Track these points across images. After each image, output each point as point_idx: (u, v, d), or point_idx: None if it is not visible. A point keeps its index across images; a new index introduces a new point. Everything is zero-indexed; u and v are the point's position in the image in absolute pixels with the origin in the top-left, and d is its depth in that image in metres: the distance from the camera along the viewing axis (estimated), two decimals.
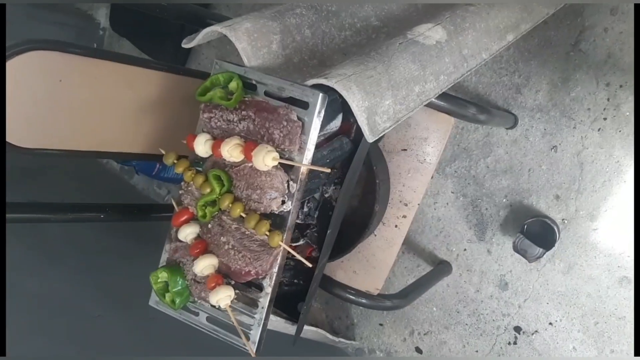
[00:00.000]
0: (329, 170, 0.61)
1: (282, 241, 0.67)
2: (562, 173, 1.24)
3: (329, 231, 0.78)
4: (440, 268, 1.38)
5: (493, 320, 1.36)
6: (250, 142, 0.66)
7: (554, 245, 1.19)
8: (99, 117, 0.85)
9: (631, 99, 1.15)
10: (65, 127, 0.81)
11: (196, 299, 0.74)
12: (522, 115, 1.27)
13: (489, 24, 0.89)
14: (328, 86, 0.64)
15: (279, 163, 0.65)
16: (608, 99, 1.18)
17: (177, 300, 0.73)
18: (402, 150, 0.93)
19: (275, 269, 0.70)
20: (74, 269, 1.26)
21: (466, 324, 1.40)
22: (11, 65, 0.74)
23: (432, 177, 0.95)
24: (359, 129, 0.80)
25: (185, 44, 0.79)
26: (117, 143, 0.89)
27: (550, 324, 1.27)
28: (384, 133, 0.65)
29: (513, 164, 1.30)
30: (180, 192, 0.75)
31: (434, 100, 0.91)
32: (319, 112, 0.65)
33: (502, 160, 1.31)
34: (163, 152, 0.73)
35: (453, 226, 1.39)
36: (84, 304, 1.18)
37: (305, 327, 1.13)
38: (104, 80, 0.84)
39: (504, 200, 1.32)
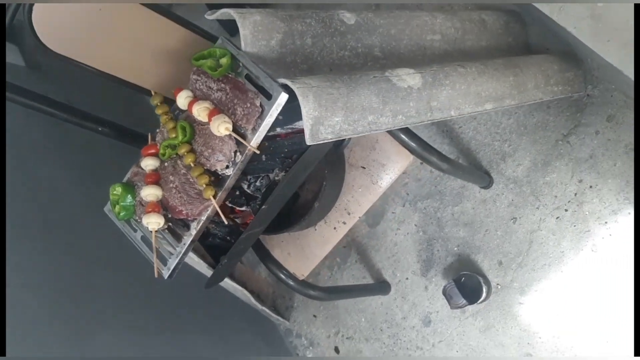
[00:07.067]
0: (258, 152, 0.74)
1: (213, 197, 0.80)
2: (512, 243, 1.32)
3: (263, 207, 0.91)
4: (380, 286, 1.49)
5: (407, 348, 1.46)
6: (216, 109, 0.80)
7: (475, 302, 1.28)
8: (120, 48, 1.00)
9: (596, 201, 1.23)
10: (89, 44, 0.96)
11: (137, 218, 0.89)
12: (498, 181, 1.36)
13: (470, 88, 0.99)
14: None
15: (232, 135, 0.79)
16: (575, 194, 1.25)
17: (122, 213, 0.88)
18: (361, 167, 1.04)
19: (204, 217, 0.84)
20: None
21: (384, 343, 1.50)
22: None
23: (378, 198, 1.06)
24: None
25: (208, 16, 0.93)
26: (129, 74, 1.04)
27: None
28: (323, 142, 0.77)
29: (475, 220, 1.39)
30: (157, 130, 0.90)
31: (403, 136, 1.02)
32: (278, 107, 0.78)
33: (467, 213, 1.40)
34: (153, 92, 0.87)
35: (405, 255, 1.50)
36: None
37: (234, 284, 1.27)
38: (136, 21, 0.99)
39: (455, 249, 1.41)
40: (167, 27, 1.05)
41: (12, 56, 1.90)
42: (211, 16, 0.92)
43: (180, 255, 0.87)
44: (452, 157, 1.44)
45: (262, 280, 1.61)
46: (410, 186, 1.51)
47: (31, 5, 0.90)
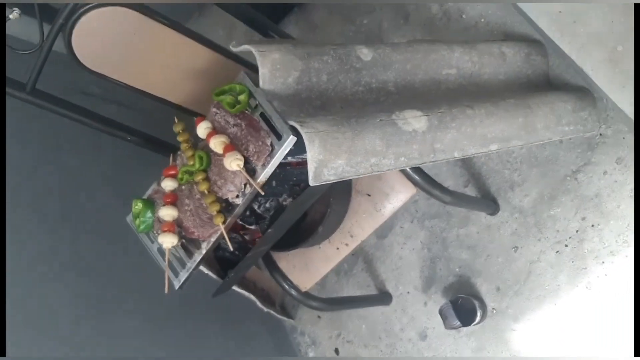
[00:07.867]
0: (262, 193, 0.81)
1: (222, 223, 0.88)
2: (511, 271, 1.37)
3: (269, 230, 0.98)
4: (382, 297, 1.56)
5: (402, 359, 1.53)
6: (231, 145, 0.86)
7: (469, 325, 1.33)
8: (152, 67, 1.08)
9: (596, 240, 1.26)
10: (123, 63, 1.04)
11: (155, 232, 0.98)
12: (504, 208, 1.40)
13: (477, 130, 1.02)
14: None
15: (244, 169, 0.86)
16: (577, 231, 1.28)
17: (142, 226, 0.97)
18: (367, 194, 1.10)
19: (213, 239, 0.91)
20: None
21: (381, 351, 1.58)
22: (107, 11, 0.97)
23: (379, 225, 1.12)
24: None
25: (233, 47, 0.99)
26: (159, 90, 1.12)
27: None
28: (325, 183, 0.84)
29: (478, 245, 1.43)
30: (178, 152, 0.98)
31: (407, 169, 1.07)
32: (286, 147, 0.84)
33: (471, 237, 1.45)
34: (176, 120, 0.95)
35: (408, 270, 1.56)
36: None
37: (241, 291, 1.36)
38: (167, 43, 1.06)
39: (457, 269, 1.46)
40: (195, 49, 1.11)
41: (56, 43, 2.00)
42: (236, 48, 0.98)
43: (191, 270, 0.95)
44: (463, 180, 1.48)
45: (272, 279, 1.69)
46: (420, 204, 1.56)
47: (72, 29, 0.98)
